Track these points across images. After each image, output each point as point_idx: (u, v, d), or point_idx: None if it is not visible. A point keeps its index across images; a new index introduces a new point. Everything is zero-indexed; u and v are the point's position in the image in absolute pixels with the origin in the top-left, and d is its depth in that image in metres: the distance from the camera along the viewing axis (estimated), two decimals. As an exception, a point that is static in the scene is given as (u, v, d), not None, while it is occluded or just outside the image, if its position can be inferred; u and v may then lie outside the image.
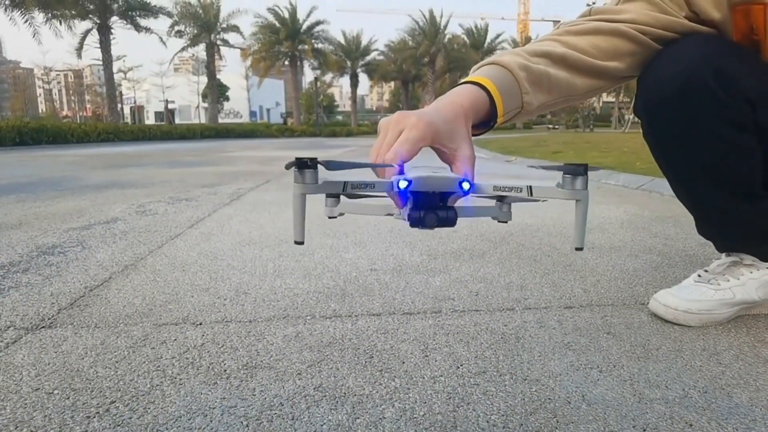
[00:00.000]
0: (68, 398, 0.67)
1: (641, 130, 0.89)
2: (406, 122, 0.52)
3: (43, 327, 0.92)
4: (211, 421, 0.61)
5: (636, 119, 0.90)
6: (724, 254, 0.97)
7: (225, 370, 0.74)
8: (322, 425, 0.60)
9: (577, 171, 0.44)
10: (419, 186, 0.46)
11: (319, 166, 0.44)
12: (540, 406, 0.64)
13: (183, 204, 2.42)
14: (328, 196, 0.61)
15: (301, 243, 0.45)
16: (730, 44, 0.79)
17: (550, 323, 0.91)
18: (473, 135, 0.64)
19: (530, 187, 0.46)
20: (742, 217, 0.88)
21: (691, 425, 0.60)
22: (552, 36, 0.75)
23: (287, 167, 0.43)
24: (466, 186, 0.46)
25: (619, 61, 0.76)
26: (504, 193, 0.49)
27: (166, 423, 0.61)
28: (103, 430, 0.60)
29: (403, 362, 0.77)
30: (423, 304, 1.01)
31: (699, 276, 0.95)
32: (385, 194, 0.50)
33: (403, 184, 0.45)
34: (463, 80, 0.65)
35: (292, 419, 0.62)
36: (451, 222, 0.46)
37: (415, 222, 0.46)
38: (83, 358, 0.79)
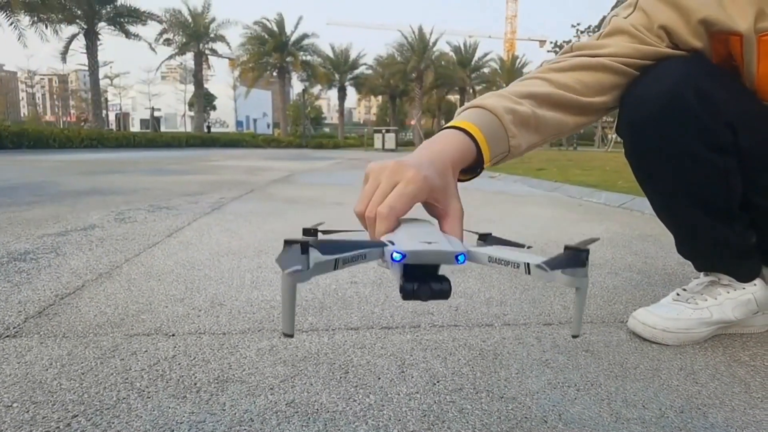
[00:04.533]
0: (28, 412, 0.64)
1: (624, 150, 0.90)
2: (404, 175, 0.50)
3: (7, 336, 0.89)
4: (176, 437, 0.59)
5: (619, 139, 0.91)
6: (702, 274, 0.97)
7: (195, 384, 0.72)
8: (292, 443, 0.58)
9: (579, 257, 0.43)
10: (414, 259, 0.43)
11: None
12: (516, 425, 0.63)
13: (163, 212, 2.38)
14: (305, 234, 0.59)
15: (291, 336, 0.41)
16: (710, 66, 0.79)
17: (529, 340, 0.90)
18: (460, 181, 0.62)
19: (528, 264, 0.44)
20: (720, 238, 0.88)
21: (667, 446, 0.59)
22: (536, 74, 0.75)
23: (278, 261, 0.38)
24: (461, 258, 0.44)
25: (604, 95, 0.76)
26: (499, 265, 0.47)
27: (130, 439, 0.59)
28: (63, 446, 0.57)
29: (379, 378, 0.75)
30: (402, 319, 1.00)
31: (677, 295, 0.95)
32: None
33: (397, 256, 0.43)
34: (448, 125, 0.63)
35: (262, 436, 0.60)
36: (445, 294, 0.44)
37: (408, 295, 0.43)
38: (47, 370, 0.76)
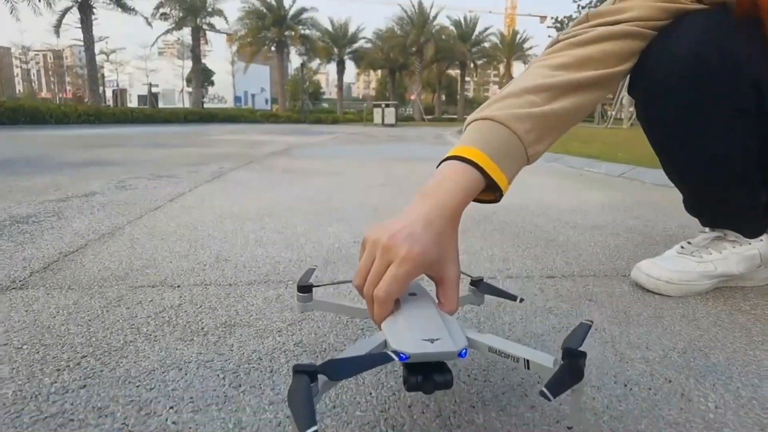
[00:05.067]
0: (38, 353, 0.65)
1: (635, 111, 0.87)
2: (396, 254, 0.49)
3: (13, 288, 0.89)
4: (185, 374, 0.60)
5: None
6: (708, 228, 0.97)
7: (202, 328, 0.73)
8: (300, 378, 0.59)
9: (578, 368, 0.43)
10: (417, 359, 0.45)
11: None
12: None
13: (164, 180, 2.38)
14: (300, 290, 0.62)
15: None
16: (734, 22, 0.73)
17: (532, 291, 0.91)
18: (478, 202, 0.61)
19: (528, 360, 0.46)
20: (732, 198, 0.87)
21: (670, 381, 0.60)
22: (555, 53, 0.70)
23: (290, 404, 0.39)
24: (463, 354, 0.46)
25: (628, 62, 0.72)
26: (499, 357, 0.48)
27: (139, 376, 0.59)
28: (73, 382, 0.58)
29: (385, 323, 0.75)
30: (406, 273, 1.00)
31: (682, 247, 0.96)
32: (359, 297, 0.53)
33: (402, 355, 0.44)
34: (453, 153, 0.58)
35: (271, 372, 0.60)
36: (448, 384, 0.46)
37: (413, 388, 0.46)
38: (54, 317, 0.77)
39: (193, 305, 0.82)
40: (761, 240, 0.93)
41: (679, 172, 0.91)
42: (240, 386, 0.57)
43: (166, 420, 0.50)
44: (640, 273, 0.92)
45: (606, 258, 1.14)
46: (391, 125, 18.80)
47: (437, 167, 0.58)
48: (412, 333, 0.46)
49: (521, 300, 0.65)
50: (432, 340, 0.45)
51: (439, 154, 0.59)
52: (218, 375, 0.60)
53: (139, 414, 0.51)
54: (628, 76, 0.78)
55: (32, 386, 0.57)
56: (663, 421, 0.52)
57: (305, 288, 0.62)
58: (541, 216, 1.63)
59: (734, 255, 0.92)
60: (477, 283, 0.66)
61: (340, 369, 0.41)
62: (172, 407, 0.53)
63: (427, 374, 0.45)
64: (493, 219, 1.56)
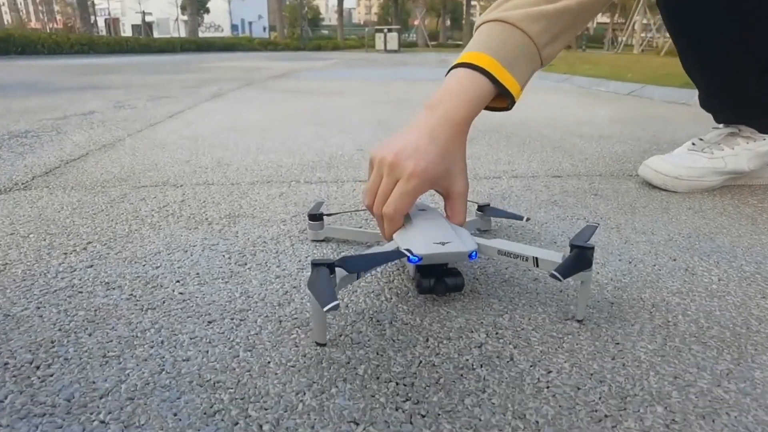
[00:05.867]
0: (44, 240, 0.65)
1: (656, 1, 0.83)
2: (403, 171, 0.48)
3: (17, 189, 0.89)
4: (191, 255, 0.60)
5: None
6: (722, 125, 0.95)
7: (206, 219, 0.73)
8: (307, 257, 0.59)
9: (586, 257, 0.43)
10: (429, 261, 0.46)
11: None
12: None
13: (163, 101, 2.33)
14: (312, 219, 0.63)
15: (324, 344, 0.42)
16: None
17: (537, 188, 0.90)
18: (490, 110, 0.59)
19: (536, 258, 0.46)
20: (751, 90, 0.85)
21: (674, 259, 0.60)
22: None
23: (309, 287, 0.39)
24: (473, 255, 0.46)
25: None
26: (508, 258, 0.49)
27: (145, 257, 0.60)
28: (80, 263, 0.58)
29: (389, 215, 0.75)
30: (410, 175, 0.99)
31: (693, 144, 0.94)
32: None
33: (414, 258, 0.45)
34: (462, 59, 0.55)
35: (276, 253, 0.61)
36: (459, 287, 0.48)
37: (425, 290, 0.47)
38: (59, 212, 0.77)
39: (196, 201, 0.81)
40: (776, 136, 0.91)
41: (698, 58, 0.87)
42: (246, 264, 0.57)
43: (173, 291, 0.51)
44: (648, 169, 0.91)
45: (613, 161, 1.12)
46: (394, 51, 18.18)
47: (446, 75, 0.56)
48: (424, 238, 0.47)
49: (527, 219, 0.66)
50: (443, 243, 0.47)
51: (443, 76, 0.57)
52: (224, 255, 0.60)
53: (146, 287, 0.52)
54: None
55: (40, 266, 0.57)
56: (666, 290, 0.52)
57: (316, 217, 0.63)
58: (548, 127, 1.59)
59: (746, 151, 0.90)
60: (483, 208, 0.67)
61: (356, 262, 0.42)
62: (178, 281, 0.53)
63: (439, 277, 0.47)
64: (499, 130, 1.53)
